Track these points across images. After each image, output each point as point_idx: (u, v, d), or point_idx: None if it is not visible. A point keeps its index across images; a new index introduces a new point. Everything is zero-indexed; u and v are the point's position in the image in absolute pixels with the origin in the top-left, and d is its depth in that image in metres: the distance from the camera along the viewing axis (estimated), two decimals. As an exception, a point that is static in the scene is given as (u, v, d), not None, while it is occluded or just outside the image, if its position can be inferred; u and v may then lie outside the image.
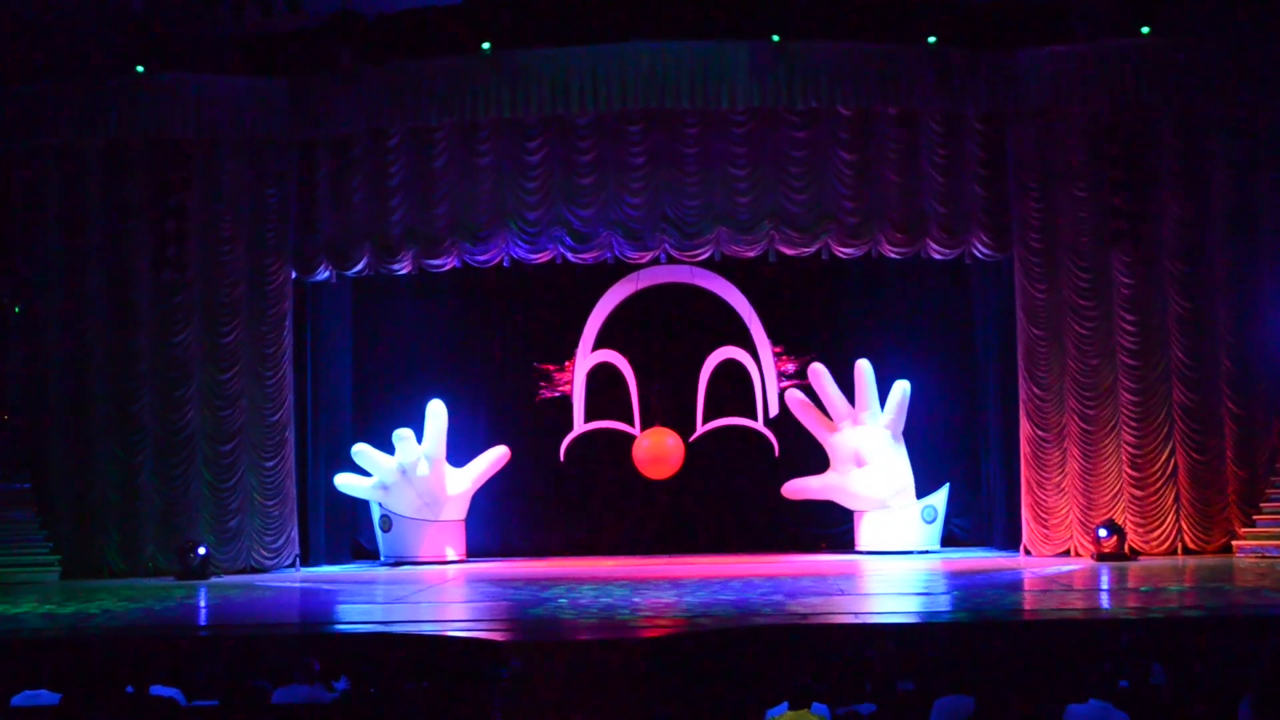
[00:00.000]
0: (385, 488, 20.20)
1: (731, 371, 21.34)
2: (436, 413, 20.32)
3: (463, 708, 11.86)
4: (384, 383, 21.42)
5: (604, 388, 21.44)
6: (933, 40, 18.73)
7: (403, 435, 19.96)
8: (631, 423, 21.22)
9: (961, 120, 19.21)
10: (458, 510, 20.59)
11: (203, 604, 16.22)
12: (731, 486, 21.40)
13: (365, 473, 20.25)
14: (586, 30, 19.09)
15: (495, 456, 20.75)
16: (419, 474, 20.11)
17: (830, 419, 20.51)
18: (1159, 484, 18.92)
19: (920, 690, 10.16)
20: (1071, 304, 19.10)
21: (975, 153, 19.24)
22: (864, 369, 20.29)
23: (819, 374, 20.48)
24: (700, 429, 21.14)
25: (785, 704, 9.02)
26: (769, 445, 21.17)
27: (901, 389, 20.14)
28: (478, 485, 20.71)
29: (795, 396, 20.68)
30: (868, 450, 20.13)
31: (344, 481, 20.40)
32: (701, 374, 21.23)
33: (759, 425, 21.19)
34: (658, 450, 20.43)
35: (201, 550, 18.85)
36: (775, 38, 18.61)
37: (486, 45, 18.82)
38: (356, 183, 19.65)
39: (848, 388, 20.46)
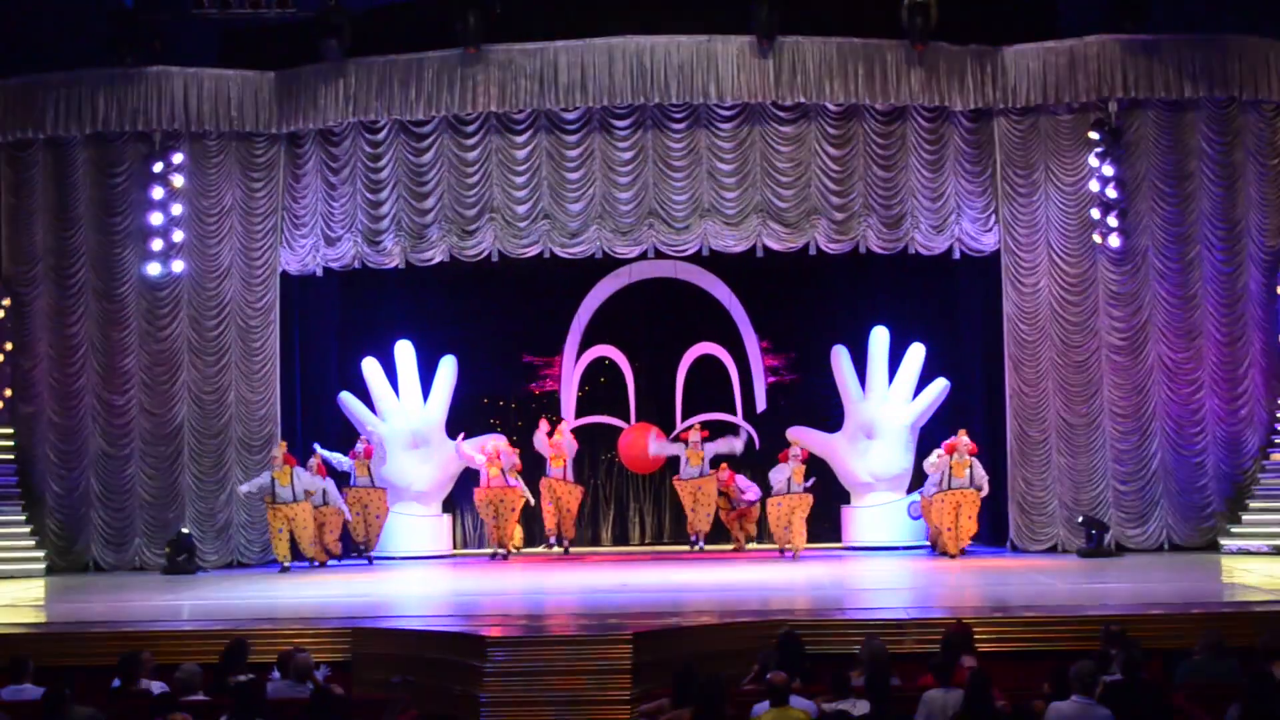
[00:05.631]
0: (383, 417, 20.60)
1: (714, 366, 21.37)
2: (446, 369, 20.81)
3: (447, 701, 11.88)
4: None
5: (596, 382, 21.46)
6: (921, 36, 18.72)
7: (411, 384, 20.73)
8: (627, 418, 21.26)
9: (949, 116, 19.26)
10: (440, 489, 20.58)
11: (188, 599, 16.21)
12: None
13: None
14: (574, 24, 19.11)
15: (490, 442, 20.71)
16: (417, 420, 20.62)
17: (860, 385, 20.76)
18: (1145, 481, 18.99)
19: (906, 684, 10.21)
20: (1058, 300, 19.17)
21: (962, 148, 19.30)
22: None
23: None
24: (680, 425, 21.14)
25: (768, 700, 9.04)
26: (750, 439, 21.15)
27: (940, 386, 20.33)
28: (462, 465, 20.64)
29: (839, 352, 20.77)
30: (880, 429, 20.32)
31: (347, 397, 20.64)
32: (679, 370, 21.27)
33: (738, 419, 21.19)
34: (640, 448, 20.55)
35: (188, 545, 18.82)
36: (757, 39, 18.68)
37: (474, 39, 18.78)
38: (344, 175, 19.65)
39: (822, 382, 20.98)
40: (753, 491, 20.20)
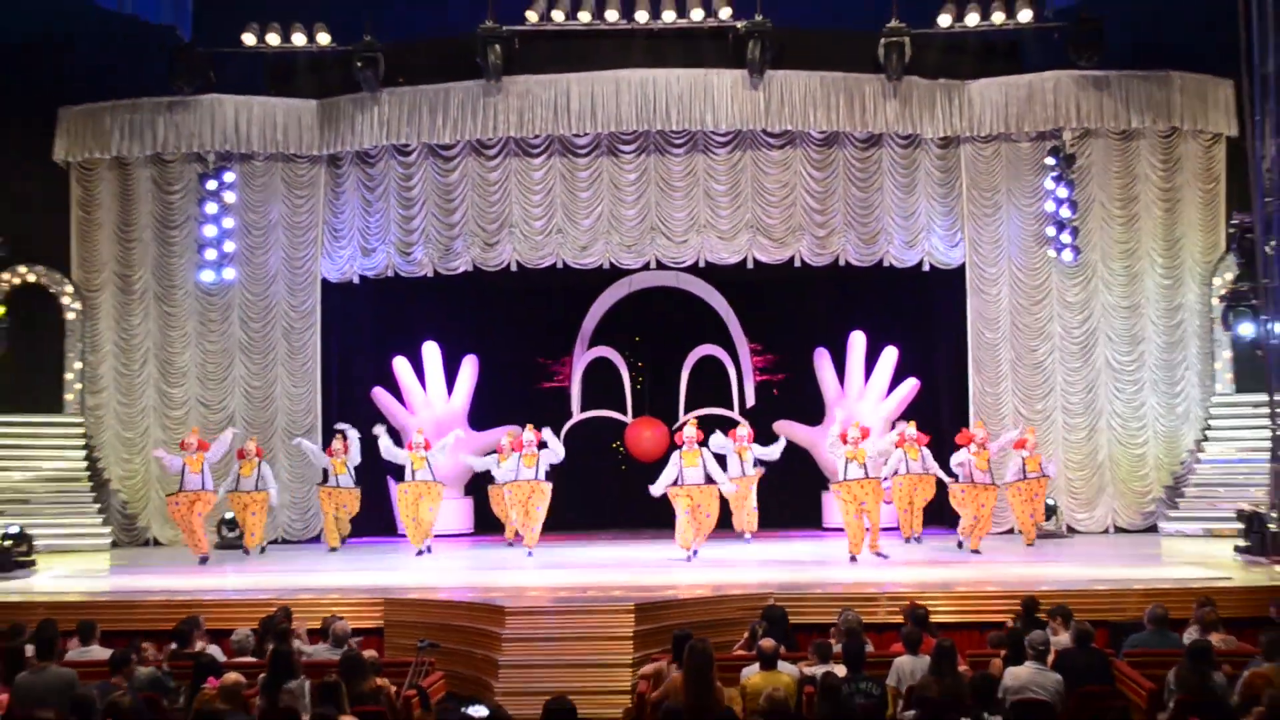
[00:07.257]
0: (412, 409, 20.62)
1: (711, 367, 21.44)
2: (468, 368, 21.03)
3: (469, 663, 11.98)
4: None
5: (599, 380, 21.55)
6: (896, 71, 18.80)
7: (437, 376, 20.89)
8: (625, 412, 21.34)
9: (920, 143, 19.38)
10: (460, 475, 20.52)
11: (236, 571, 16.31)
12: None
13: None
14: (585, 58, 19.21)
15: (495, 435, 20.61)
16: (442, 413, 20.63)
17: (839, 384, 20.87)
18: (1093, 470, 19.13)
19: (879, 650, 10.31)
20: (1016, 308, 19.29)
21: (932, 172, 19.43)
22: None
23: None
24: (682, 418, 21.15)
25: (758, 664, 9.15)
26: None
27: (910, 386, 20.40)
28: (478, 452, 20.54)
29: (822, 354, 20.95)
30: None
31: (380, 392, 20.62)
32: (684, 369, 21.34)
33: (735, 415, 21.24)
34: (645, 439, 20.63)
35: (236, 522, 18.87)
36: (749, 73, 18.76)
37: (495, 71, 18.87)
38: (379, 193, 19.80)
39: (808, 381, 21.10)
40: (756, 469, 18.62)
